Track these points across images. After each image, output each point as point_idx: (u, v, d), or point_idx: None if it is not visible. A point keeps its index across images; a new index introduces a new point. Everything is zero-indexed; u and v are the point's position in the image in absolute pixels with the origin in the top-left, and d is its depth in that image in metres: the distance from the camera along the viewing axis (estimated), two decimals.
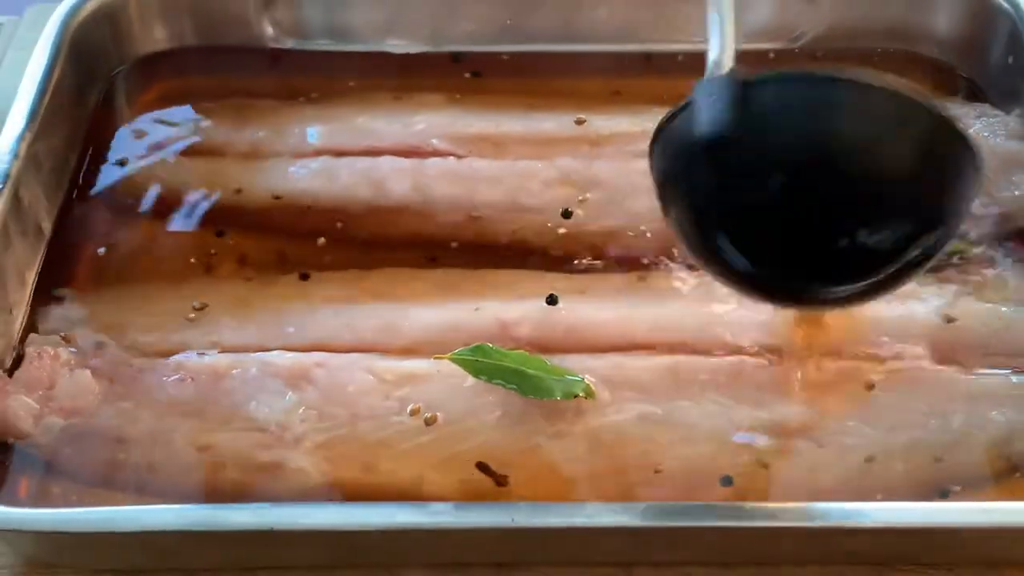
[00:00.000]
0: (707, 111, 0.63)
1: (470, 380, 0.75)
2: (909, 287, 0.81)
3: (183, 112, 0.98)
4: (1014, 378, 0.77)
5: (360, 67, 1.02)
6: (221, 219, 0.89)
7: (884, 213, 0.61)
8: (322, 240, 0.88)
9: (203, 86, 1.00)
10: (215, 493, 0.72)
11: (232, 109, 0.98)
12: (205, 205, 0.90)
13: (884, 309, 0.80)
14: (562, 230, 0.87)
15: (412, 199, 0.89)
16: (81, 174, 0.92)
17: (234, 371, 0.77)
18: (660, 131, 0.66)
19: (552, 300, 0.81)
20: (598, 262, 0.85)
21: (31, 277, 0.84)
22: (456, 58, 1.02)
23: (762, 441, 0.73)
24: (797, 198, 0.61)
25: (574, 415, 0.74)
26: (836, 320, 0.79)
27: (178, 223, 0.89)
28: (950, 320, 0.79)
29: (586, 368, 0.76)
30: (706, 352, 0.78)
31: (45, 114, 0.87)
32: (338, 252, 0.87)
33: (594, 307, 0.81)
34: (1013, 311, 0.80)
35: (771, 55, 1.00)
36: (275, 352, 0.78)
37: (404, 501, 0.69)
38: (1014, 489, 0.72)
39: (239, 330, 0.81)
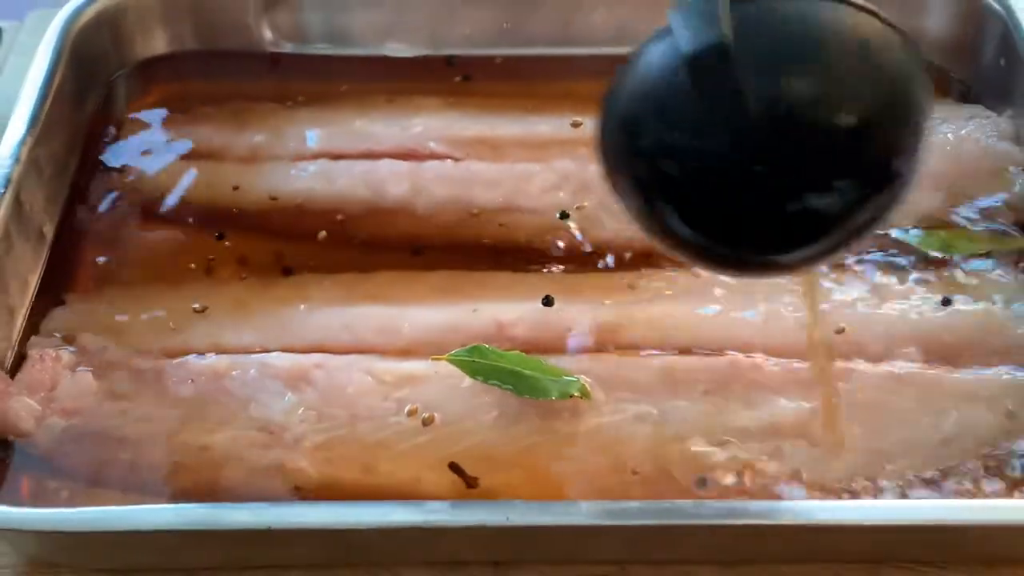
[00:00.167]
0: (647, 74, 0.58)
1: (467, 381, 0.76)
2: (901, 287, 0.83)
3: (182, 116, 0.98)
4: (1006, 377, 0.77)
5: (358, 71, 1.02)
6: (221, 222, 0.90)
7: (836, 173, 0.55)
8: (321, 238, 0.88)
9: (202, 90, 1.01)
10: (215, 493, 0.73)
11: (231, 113, 0.98)
12: (205, 208, 0.91)
13: (876, 309, 0.81)
14: (559, 232, 0.88)
15: (410, 201, 0.90)
16: (82, 178, 0.93)
17: (234, 372, 0.78)
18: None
19: (548, 301, 0.81)
20: (594, 264, 0.86)
21: (33, 280, 0.84)
22: (452, 62, 1.03)
23: (755, 440, 0.74)
24: (740, 162, 0.55)
25: (570, 415, 0.75)
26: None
27: (178, 226, 0.90)
28: (941, 320, 0.80)
29: (582, 369, 0.76)
30: (700, 352, 0.78)
31: (46, 119, 0.87)
32: (336, 254, 0.87)
33: (590, 308, 0.81)
34: (1005, 310, 0.80)
35: None
36: (275, 353, 0.79)
37: (402, 500, 0.70)
38: (1007, 487, 0.72)
39: (239, 332, 0.81)
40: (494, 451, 0.74)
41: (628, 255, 0.85)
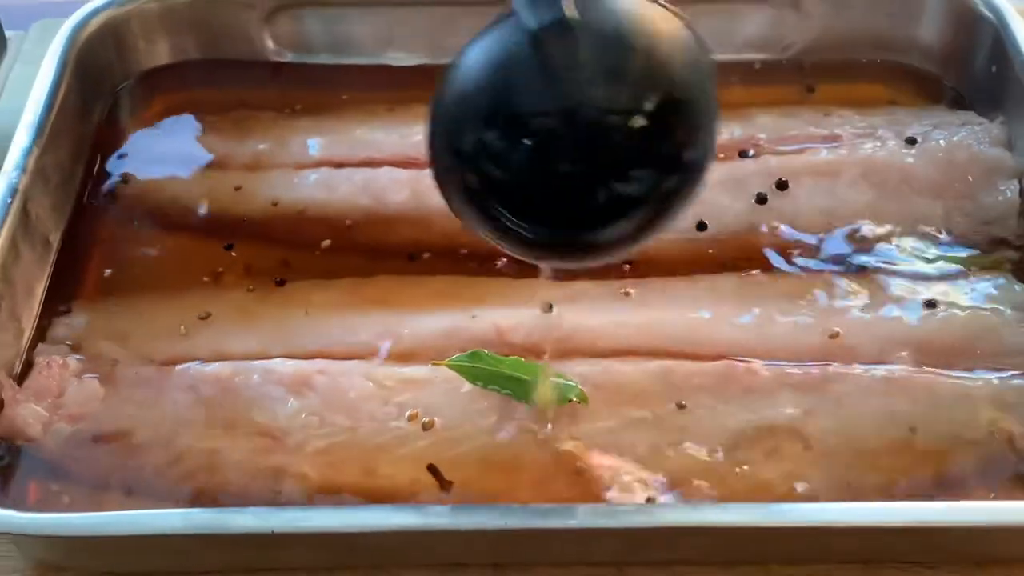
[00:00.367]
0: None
1: (467, 386, 0.76)
2: (894, 291, 0.83)
3: (186, 125, 0.99)
4: (996, 380, 0.77)
5: (359, 80, 1.02)
6: (224, 230, 0.90)
7: (632, 160, 0.58)
8: (324, 246, 0.89)
9: (205, 99, 1.01)
10: (219, 497, 0.73)
11: (234, 122, 0.99)
12: (208, 216, 0.91)
13: (868, 313, 0.82)
14: None
15: (410, 208, 0.90)
16: (87, 187, 0.93)
17: (237, 379, 0.78)
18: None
19: (547, 307, 0.81)
20: (591, 270, 0.86)
21: (40, 288, 0.85)
22: None
23: (750, 443, 0.74)
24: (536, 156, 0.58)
25: (568, 419, 0.76)
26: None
27: (182, 234, 0.90)
28: (933, 324, 0.81)
29: (579, 373, 0.77)
30: (696, 357, 0.79)
31: (52, 128, 0.88)
32: (338, 261, 0.88)
33: (587, 314, 0.82)
34: (996, 314, 0.81)
35: (757, 65, 1.01)
36: (277, 360, 0.80)
37: (403, 504, 0.71)
38: (997, 489, 0.73)
39: (242, 339, 0.82)
40: (493, 455, 0.74)
41: (625, 262, 0.86)
